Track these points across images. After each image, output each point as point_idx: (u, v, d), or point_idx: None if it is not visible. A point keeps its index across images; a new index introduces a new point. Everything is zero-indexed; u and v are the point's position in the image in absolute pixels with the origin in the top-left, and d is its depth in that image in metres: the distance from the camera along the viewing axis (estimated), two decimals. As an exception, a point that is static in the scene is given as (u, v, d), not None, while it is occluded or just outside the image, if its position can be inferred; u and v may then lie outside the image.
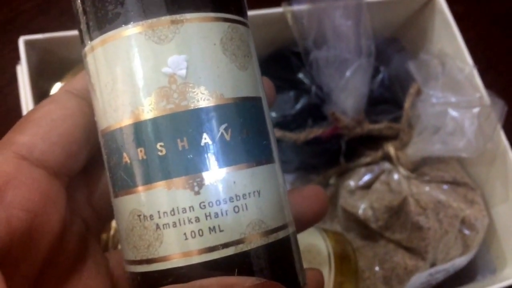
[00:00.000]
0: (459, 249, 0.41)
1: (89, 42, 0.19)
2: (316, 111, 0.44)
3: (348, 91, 0.41)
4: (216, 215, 0.18)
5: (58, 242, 0.20)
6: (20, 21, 0.49)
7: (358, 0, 0.42)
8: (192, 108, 0.18)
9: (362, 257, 0.41)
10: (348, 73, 0.40)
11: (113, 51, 0.18)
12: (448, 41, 0.47)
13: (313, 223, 0.24)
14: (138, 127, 0.18)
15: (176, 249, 0.18)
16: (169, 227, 0.18)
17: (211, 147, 0.18)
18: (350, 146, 0.44)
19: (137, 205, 0.18)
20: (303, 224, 0.22)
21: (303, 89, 0.45)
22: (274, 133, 0.21)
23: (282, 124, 0.44)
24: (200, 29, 0.18)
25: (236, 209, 0.18)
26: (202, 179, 0.18)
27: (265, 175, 0.19)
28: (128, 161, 0.18)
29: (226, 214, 0.18)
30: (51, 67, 0.40)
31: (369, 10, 0.42)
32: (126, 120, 0.18)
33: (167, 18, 0.18)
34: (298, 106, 0.44)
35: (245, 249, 0.18)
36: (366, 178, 0.43)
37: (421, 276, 0.40)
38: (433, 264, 0.40)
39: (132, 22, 0.18)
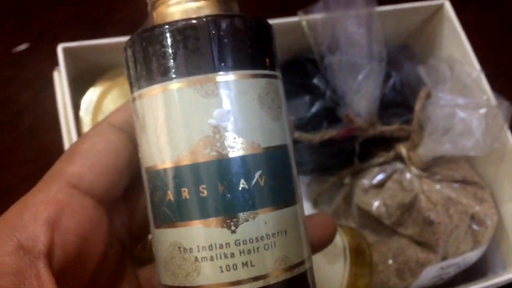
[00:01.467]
0: (469, 244, 0.42)
1: (138, 89, 0.21)
2: (330, 114, 0.46)
3: (361, 94, 0.43)
4: (249, 251, 0.20)
5: (101, 263, 0.22)
6: (54, 30, 0.52)
7: (370, 9, 0.44)
8: (232, 156, 0.20)
9: (376, 251, 0.43)
10: (360, 77, 0.42)
11: (162, 101, 0.20)
12: (456, 47, 0.49)
13: (322, 248, 0.25)
14: (183, 170, 0.20)
15: (212, 280, 0.20)
16: (206, 260, 0.20)
17: (247, 191, 0.20)
18: (364, 147, 0.46)
19: (178, 238, 0.20)
20: (311, 249, 0.23)
21: (318, 93, 0.47)
22: (298, 175, 0.22)
23: (299, 126, 0.45)
24: (241, 86, 0.20)
25: (266, 247, 0.20)
26: (238, 220, 0.20)
27: (291, 216, 0.21)
28: (172, 199, 0.20)
29: (258, 251, 0.20)
30: (85, 73, 0.42)
31: (381, 19, 0.44)
32: (172, 163, 0.20)
33: (214, 75, 0.20)
34: (314, 109, 0.46)
35: (272, 282, 0.20)
36: (379, 177, 0.45)
37: (432, 269, 0.41)
38: (444, 258, 0.42)
39: (182, 77, 0.20)
